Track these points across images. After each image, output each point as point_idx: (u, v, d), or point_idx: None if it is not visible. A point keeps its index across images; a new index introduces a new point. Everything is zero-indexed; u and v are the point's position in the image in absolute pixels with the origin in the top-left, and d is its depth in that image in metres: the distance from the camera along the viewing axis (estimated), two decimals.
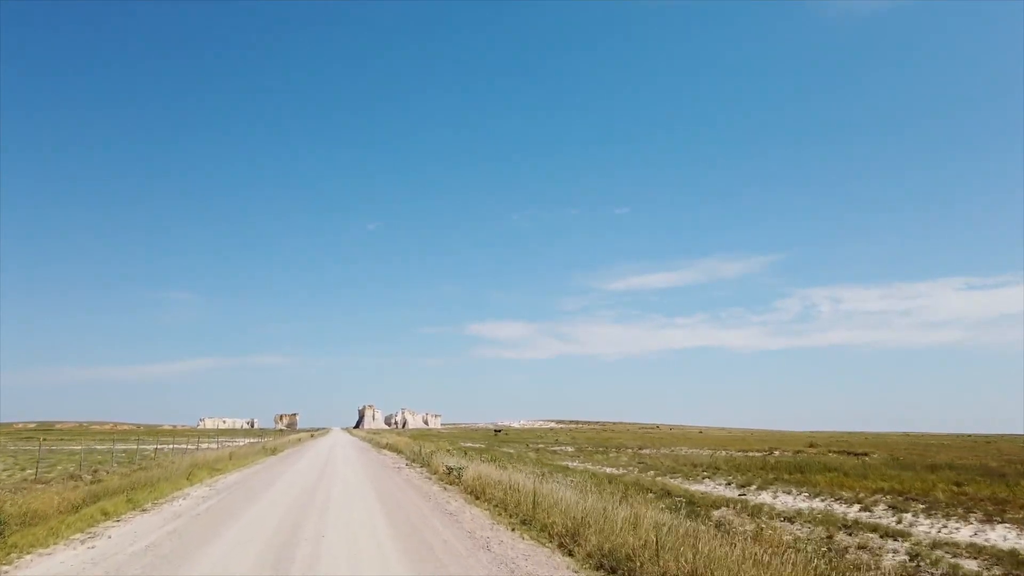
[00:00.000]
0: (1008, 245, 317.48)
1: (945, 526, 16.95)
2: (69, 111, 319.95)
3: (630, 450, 55.09)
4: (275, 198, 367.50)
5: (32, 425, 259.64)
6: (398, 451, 46.83)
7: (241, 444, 69.98)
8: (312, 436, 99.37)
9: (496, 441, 76.31)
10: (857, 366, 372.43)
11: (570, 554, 10.93)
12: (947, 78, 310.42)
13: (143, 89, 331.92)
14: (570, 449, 58.09)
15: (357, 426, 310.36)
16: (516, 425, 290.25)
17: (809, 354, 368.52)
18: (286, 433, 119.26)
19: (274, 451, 45.45)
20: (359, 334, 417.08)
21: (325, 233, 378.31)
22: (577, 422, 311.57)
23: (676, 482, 28.17)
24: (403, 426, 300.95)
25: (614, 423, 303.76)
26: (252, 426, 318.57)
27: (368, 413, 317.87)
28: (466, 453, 41.65)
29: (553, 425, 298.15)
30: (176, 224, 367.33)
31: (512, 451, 55.87)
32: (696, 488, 25.79)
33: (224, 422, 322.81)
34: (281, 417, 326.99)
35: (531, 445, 64.74)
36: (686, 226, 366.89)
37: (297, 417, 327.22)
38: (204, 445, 65.55)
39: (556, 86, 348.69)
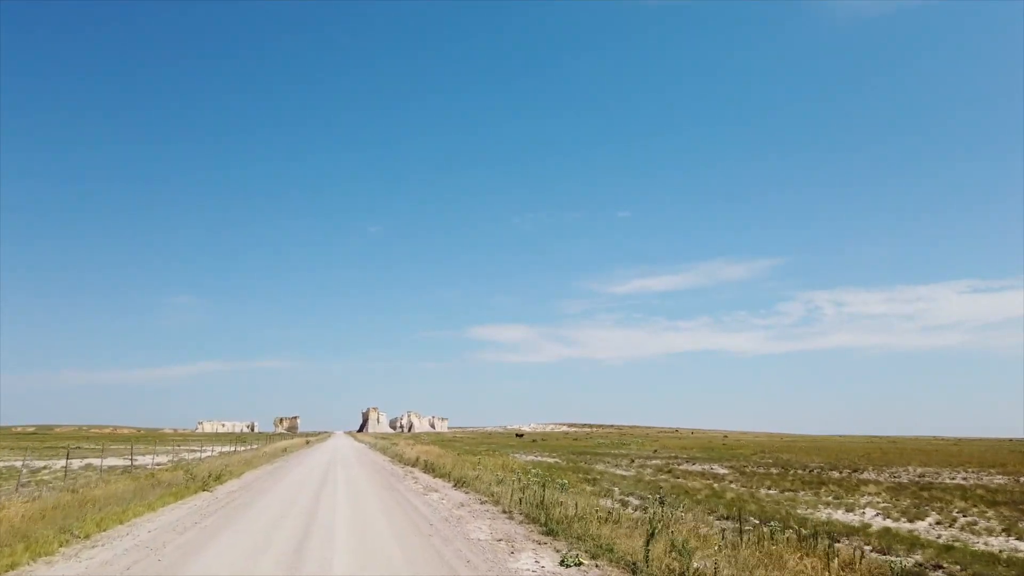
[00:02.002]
0: (1011, 248, 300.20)
1: None
2: (70, 114, 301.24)
3: (804, 470, 31.61)
4: (276, 201, 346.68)
5: (31, 428, 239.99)
6: (459, 482, 23.14)
7: (209, 454, 46.38)
8: (308, 443, 75.50)
9: (563, 451, 52.59)
10: (860, 369, 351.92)
11: None
12: (951, 81, 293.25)
13: (144, 92, 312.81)
14: (723, 471, 34.31)
15: (361, 430, 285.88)
16: (528, 428, 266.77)
17: (812, 357, 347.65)
18: (278, 439, 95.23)
19: (209, 484, 21.78)
20: (360, 337, 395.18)
21: (327, 236, 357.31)
22: (591, 425, 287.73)
23: None
24: (409, 430, 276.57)
25: (630, 426, 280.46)
26: (252, 429, 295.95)
27: (372, 416, 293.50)
28: (574, 482, 18.24)
29: (566, 429, 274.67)
30: (177, 228, 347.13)
31: (627, 472, 32.37)
32: None
33: (223, 425, 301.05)
34: (281, 420, 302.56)
35: (636, 460, 40.93)
36: (688, 229, 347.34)
37: (298, 420, 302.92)
38: (145, 459, 42.11)
39: (558, 89, 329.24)
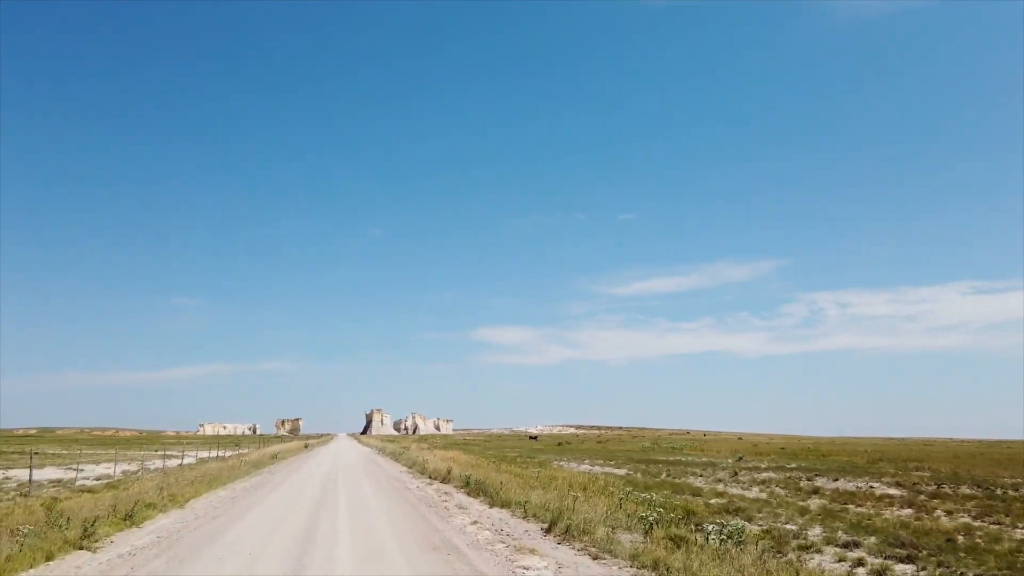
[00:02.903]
0: (1015, 249, 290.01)
1: None
2: (73, 115, 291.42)
3: (1014, 490, 21.35)
4: (278, 203, 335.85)
5: (33, 431, 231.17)
6: (555, 525, 12.73)
7: (180, 462, 36.39)
8: (306, 446, 65.20)
9: (618, 458, 42.25)
10: (864, 371, 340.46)
11: None
12: (953, 81, 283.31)
13: (147, 93, 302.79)
14: (894, 490, 23.82)
15: (364, 432, 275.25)
16: (534, 430, 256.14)
17: (815, 358, 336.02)
18: (277, 441, 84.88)
19: (95, 535, 11.49)
20: (363, 340, 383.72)
21: (329, 238, 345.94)
22: (599, 427, 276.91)
23: None
24: (414, 431, 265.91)
25: (639, 428, 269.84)
26: (254, 432, 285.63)
27: (376, 418, 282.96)
28: None
29: (574, 430, 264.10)
30: (180, 229, 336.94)
31: (749, 492, 22.25)
32: None
33: (224, 428, 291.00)
34: (283, 423, 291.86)
35: (739, 472, 30.44)
36: (692, 231, 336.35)
37: (300, 423, 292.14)
38: (98, 469, 32.09)
39: (561, 90, 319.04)
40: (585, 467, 34.58)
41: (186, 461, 38.94)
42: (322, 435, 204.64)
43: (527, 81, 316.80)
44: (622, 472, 30.35)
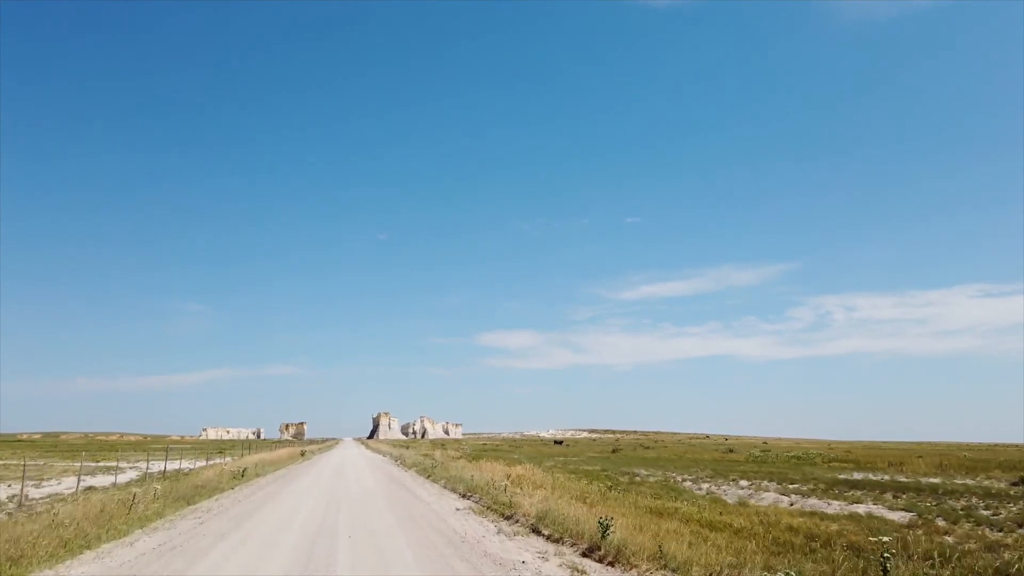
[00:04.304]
0: (1022, 252, 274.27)
1: None
2: (79, 118, 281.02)
3: None
4: (285, 208, 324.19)
5: (37, 436, 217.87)
6: None
7: (114, 479, 21.74)
8: (303, 454, 50.45)
9: (755, 471, 27.36)
10: (871, 375, 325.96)
11: None
12: (960, 83, 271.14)
13: (152, 98, 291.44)
14: None
15: (371, 436, 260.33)
16: (546, 435, 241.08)
17: (822, 363, 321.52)
18: (267, 447, 69.92)
19: None
20: (369, 344, 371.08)
21: (335, 243, 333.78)
22: (614, 431, 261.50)
23: None
24: (422, 436, 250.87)
25: (655, 432, 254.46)
26: (258, 436, 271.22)
27: (384, 422, 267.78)
28: None
29: (587, 435, 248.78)
30: (186, 234, 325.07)
31: None
32: None
33: (228, 432, 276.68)
34: (287, 426, 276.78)
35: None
36: (697, 235, 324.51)
37: (305, 426, 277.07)
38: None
39: (566, 94, 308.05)
40: (772, 496, 19.67)
41: (120, 479, 24.26)
42: (327, 439, 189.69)
43: (532, 85, 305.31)
44: (895, 516, 15.46)
